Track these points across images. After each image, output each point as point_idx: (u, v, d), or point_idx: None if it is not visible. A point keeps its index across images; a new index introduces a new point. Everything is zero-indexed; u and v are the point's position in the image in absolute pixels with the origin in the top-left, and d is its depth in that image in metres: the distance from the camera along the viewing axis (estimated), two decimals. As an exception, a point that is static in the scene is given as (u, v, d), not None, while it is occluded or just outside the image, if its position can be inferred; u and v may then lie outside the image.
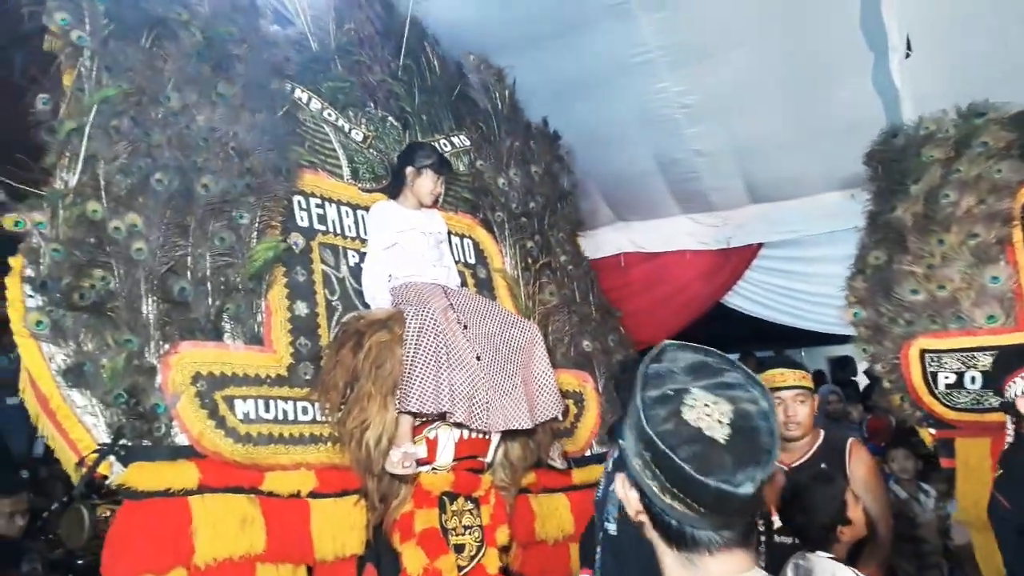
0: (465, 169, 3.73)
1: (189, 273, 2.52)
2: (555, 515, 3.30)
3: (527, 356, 3.10)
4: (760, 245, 4.88)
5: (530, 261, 3.75)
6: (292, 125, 3.04)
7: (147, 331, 2.38)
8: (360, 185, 3.24)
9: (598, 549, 2.76)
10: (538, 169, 3.94)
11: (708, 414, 1.01)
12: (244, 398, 2.56)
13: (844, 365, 7.87)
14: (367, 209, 3.20)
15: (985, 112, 3.41)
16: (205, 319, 2.53)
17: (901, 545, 3.54)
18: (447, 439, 2.86)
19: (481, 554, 2.90)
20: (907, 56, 3.41)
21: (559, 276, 3.88)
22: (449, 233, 3.48)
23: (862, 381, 7.66)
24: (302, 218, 2.98)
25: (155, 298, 2.42)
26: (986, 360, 3.13)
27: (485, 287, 3.57)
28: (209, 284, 2.56)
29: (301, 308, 2.84)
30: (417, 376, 2.69)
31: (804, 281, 4.76)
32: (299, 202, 2.99)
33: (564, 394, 3.53)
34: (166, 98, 2.60)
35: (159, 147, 2.53)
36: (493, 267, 3.64)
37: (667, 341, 1.14)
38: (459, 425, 2.79)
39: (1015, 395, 2.52)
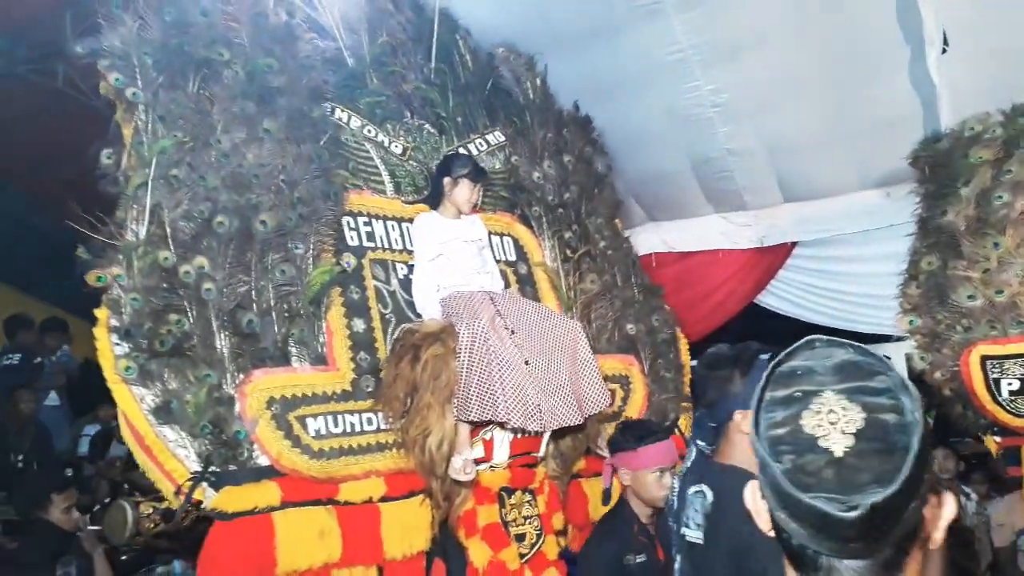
0: (501, 166, 3.84)
1: (255, 306, 2.71)
2: (606, 497, 3.50)
3: (572, 352, 3.25)
4: (794, 244, 4.84)
5: (569, 252, 3.86)
6: (335, 148, 3.17)
7: (222, 365, 2.59)
8: (403, 198, 3.38)
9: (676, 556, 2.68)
10: (571, 158, 4.01)
11: (832, 422, 0.88)
12: (315, 416, 2.77)
13: None
14: (411, 221, 3.34)
15: None
16: (273, 347, 2.72)
17: (953, 542, 3.64)
18: (502, 439, 3.05)
19: (541, 542, 3.11)
20: (944, 51, 3.35)
21: (599, 262, 3.98)
22: (490, 234, 3.62)
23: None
24: (352, 238, 3.14)
25: (226, 333, 2.62)
26: (1050, 365, 3.08)
27: (527, 283, 3.71)
28: (274, 314, 2.74)
29: (358, 325, 3.02)
30: (473, 387, 2.87)
31: (839, 280, 4.73)
32: (348, 223, 3.14)
33: (610, 379, 3.70)
34: (216, 141, 2.75)
35: (215, 189, 2.69)
36: (533, 262, 3.77)
37: (816, 336, 0.99)
38: (514, 428, 2.98)
39: None
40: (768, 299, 5.06)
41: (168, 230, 2.57)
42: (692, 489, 2.27)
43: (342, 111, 3.29)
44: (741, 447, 2.05)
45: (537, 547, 3.10)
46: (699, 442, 2.35)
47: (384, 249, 3.24)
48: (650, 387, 3.85)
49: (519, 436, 3.06)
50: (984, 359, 3.17)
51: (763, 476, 0.94)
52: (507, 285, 3.60)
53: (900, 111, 3.77)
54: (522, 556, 3.05)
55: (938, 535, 0.95)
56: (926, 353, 3.40)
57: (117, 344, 2.40)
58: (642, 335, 3.94)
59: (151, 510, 2.51)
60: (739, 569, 2.01)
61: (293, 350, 2.80)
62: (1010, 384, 3.13)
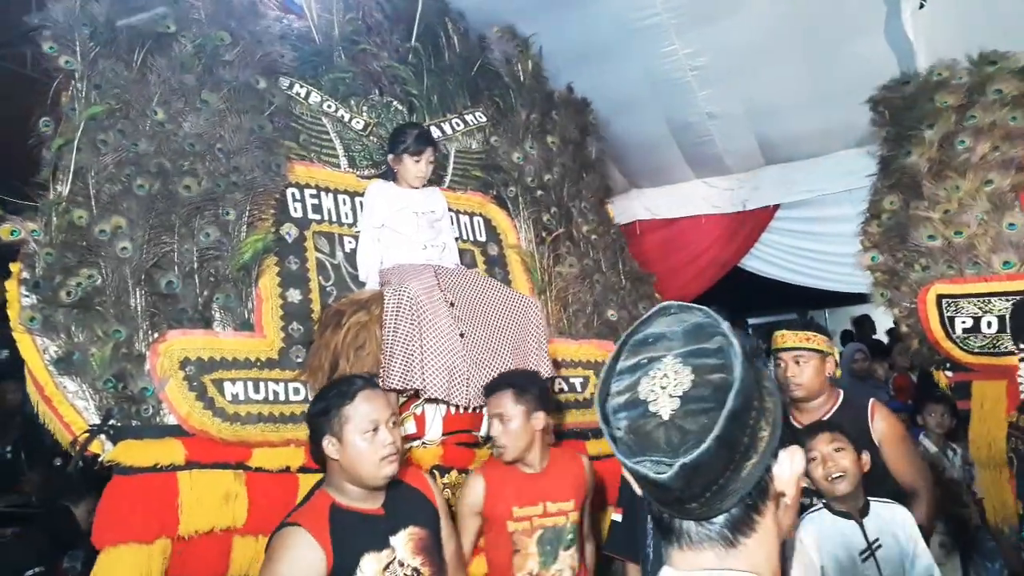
0: (479, 146, 3.77)
1: (176, 268, 2.74)
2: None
3: (521, 331, 3.10)
4: (777, 207, 4.83)
5: (545, 234, 3.71)
6: (286, 121, 3.20)
7: (135, 322, 2.62)
8: (358, 172, 3.36)
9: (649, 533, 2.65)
10: (556, 139, 3.88)
11: (663, 386, 0.89)
12: (233, 380, 2.75)
13: (861, 324, 7.59)
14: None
15: (997, 61, 3.44)
16: (193, 309, 2.74)
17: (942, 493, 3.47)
18: (434, 414, 2.92)
19: (476, 528, 2.94)
20: (920, 7, 3.45)
21: (582, 246, 3.82)
22: (458, 212, 3.54)
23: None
24: (295, 209, 3.14)
25: (143, 292, 2.66)
26: (1002, 305, 3.15)
27: (497, 264, 3.59)
28: (197, 277, 2.77)
29: (294, 295, 3.00)
30: (397, 355, 2.77)
31: (821, 241, 4.78)
32: (292, 194, 3.15)
33: (582, 364, 3.52)
34: (153, 111, 2.83)
35: (146, 156, 2.76)
36: (507, 243, 3.65)
37: (668, 302, 1.00)
38: (440, 401, 2.84)
39: None
40: (752, 262, 5.06)
41: (91, 191, 2.65)
42: None
43: (301, 86, 3.33)
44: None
45: (472, 533, 2.94)
46: None
47: (331, 222, 3.22)
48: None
49: (453, 412, 2.93)
50: (940, 297, 3.27)
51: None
52: (473, 266, 3.50)
53: (877, 68, 3.77)
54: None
55: (790, 490, 0.94)
56: (885, 290, 3.50)
57: (25, 296, 2.49)
58: (624, 322, 3.72)
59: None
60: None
61: (216, 314, 2.81)
62: (964, 322, 3.24)
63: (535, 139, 3.84)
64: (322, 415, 2.08)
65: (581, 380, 3.51)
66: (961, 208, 3.32)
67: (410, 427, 2.89)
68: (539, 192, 3.78)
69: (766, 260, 5.00)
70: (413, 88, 3.63)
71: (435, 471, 2.90)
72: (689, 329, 0.93)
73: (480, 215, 3.64)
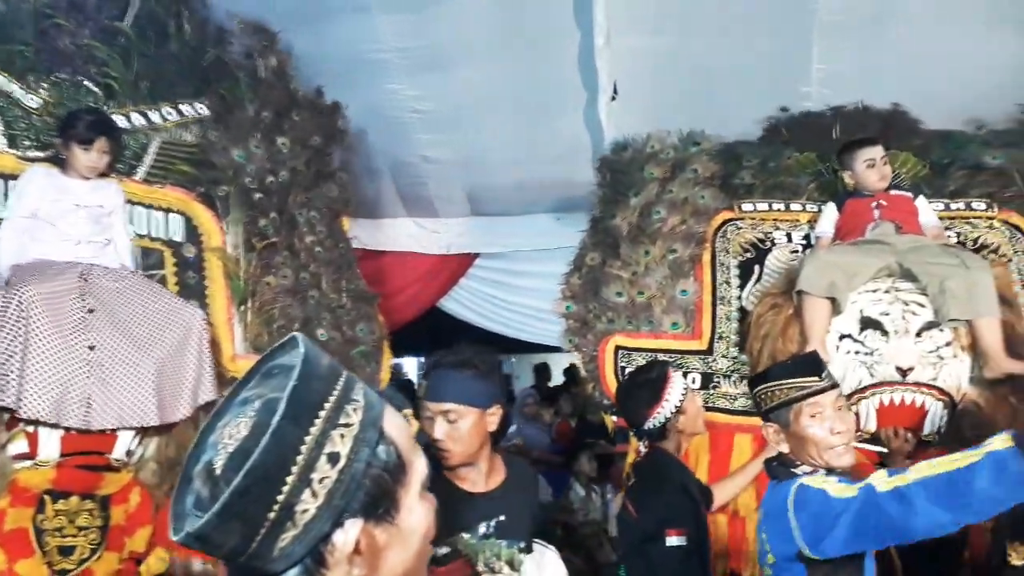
0: (193, 139, 3.47)
1: None
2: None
3: (180, 347, 2.85)
4: (476, 255, 5.13)
5: (257, 241, 3.47)
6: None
7: None
8: (19, 153, 3.01)
9: None
10: (288, 141, 3.65)
11: (232, 434, 0.80)
12: None
13: (541, 371, 8.40)
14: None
15: (700, 142, 3.75)
16: None
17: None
18: (49, 433, 2.61)
19: (94, 557, 2.67)
20: (613, 99, 3.76)
21: (302, 258, 3.58)
22: (150, 207, 3.25)
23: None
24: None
25: None
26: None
27: (192, 268, 3.31)
28: None
29: (-95, 286, 2.63)
30: (-6, 364, 2.46)
31: (513, 293, 5.08)
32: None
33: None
34: None
35: None
36: (208, 246, 3.37)
37: (296, 333, 0.89)
38: (37, 422, 2.55)
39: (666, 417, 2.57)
40: (450, 304, 5.32)
41: None
42: None
43: (-39, 56, 2.95)
44: None
45: (87, 563, 2.66)
46: None
47: (-29, 207, 2.86)
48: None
49: (73, 432, 2.64)
50: (617, 348, 3.50)
51: None
52: (160, 267, 3.22)
53: (574, 147, 4.14)
54: (65, 572, 2.62)
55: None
56: (574, 336, 3.70)
57: None
58: (335, 344, 3.51)
59: None
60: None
61: None
62: None
63: (264, 138, 3.59)
64: None
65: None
66: (647, 271, 3.56)
67: (21, 446, 2.58)
68: (258, 195, 3.51)
69: (464, 304, 5.23)
70: (115, 71, 3.30)
71: (46, 496, 2.62)
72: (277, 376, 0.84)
73: (179, 212, 3.34)
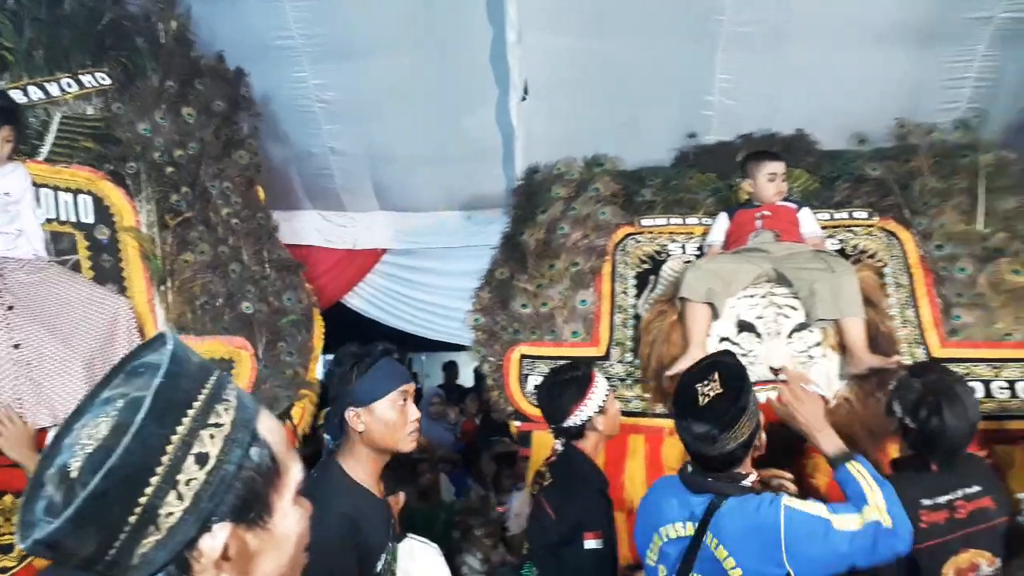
0: (95, 113, 3.32)
1: None
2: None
3: (109, 339, 2.83)
4: (384, 251, 5.04)
5: (170, 217, 3.40)
6: None
7: None
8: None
9: None
10: (194, 111, 3.54)
11: (92, 433, 0.76)
12: None
13: (449, 369, 8.52)
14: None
15: (603, 164, 4.03)
16: None
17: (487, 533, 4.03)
18: (-19, 431, 2.59)
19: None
20: (523, 99, 3.82)
21: (219, 231, 3.52)
22: (57, 189, 3.11)
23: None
24: None
25: None
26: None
27: (107, 250, 3.22)
28: None
29: None
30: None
31: (419, 290, 5.05)
32: None
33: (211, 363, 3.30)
34: None
35: None
36: (121, 226, 3.28)
37: (165, 331, 0.85)
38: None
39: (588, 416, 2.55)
40: (354, 301, 5.19)
41: None
42: None
43: None
44: (356, 441, 2.04)
45: (28, 559, 2.69)
46: (326, 435, 2.24)
47: None
48: (261, 372, 3.46)
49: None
50: (522, 357, 3.68)
51: None
52: (72, 251, 3.13)
53: (485, 145, 4.17)
54: (6, 569, 2.64)
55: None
56: (482, 347, 3.85)
57: None
58: (262, 315, 3.53)
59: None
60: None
61: None
62: (535, 380, 3.53)
63: (169, 110, 3.46)
64: None
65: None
66: (551, 283, 3.77)
67: (-49, 446, 2.54)
68: (168, 169, 3.41)
69: (369, 300, 5.13)
70: (8, 40, 3.09)
71: (-21, 494, 2.61)
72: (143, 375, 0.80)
73: (88, 192, 3.22)
